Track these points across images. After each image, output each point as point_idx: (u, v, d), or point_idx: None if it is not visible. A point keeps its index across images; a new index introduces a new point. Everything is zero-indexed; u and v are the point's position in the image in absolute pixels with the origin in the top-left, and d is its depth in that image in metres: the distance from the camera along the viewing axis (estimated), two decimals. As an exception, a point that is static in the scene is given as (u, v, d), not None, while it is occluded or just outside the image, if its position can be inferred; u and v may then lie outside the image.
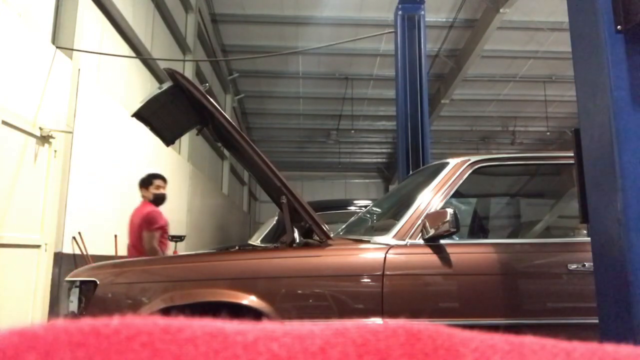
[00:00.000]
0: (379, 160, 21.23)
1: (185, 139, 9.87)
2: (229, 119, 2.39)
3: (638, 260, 1.44)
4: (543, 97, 13.33)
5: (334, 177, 21.98)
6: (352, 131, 15.32)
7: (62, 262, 4.82)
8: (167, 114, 2.71)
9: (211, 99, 2.36)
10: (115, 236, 6.15)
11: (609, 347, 0.29)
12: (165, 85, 2.52)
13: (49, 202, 4.70)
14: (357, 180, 22.49)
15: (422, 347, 0.27)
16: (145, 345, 0.24)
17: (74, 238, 5.10)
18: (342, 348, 0.25)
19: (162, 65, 7.45)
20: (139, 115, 2.58)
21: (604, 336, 1.57)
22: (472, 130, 16.51)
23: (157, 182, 4.09)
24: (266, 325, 0.26)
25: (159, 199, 4.07)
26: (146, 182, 4.11)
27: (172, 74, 2.43)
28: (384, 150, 19.80)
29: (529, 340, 0.28)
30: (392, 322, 0.28)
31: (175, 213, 9.08)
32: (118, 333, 0.24)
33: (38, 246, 4.58)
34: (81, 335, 0.23)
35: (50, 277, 4.69)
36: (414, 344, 0.27)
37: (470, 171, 2.38)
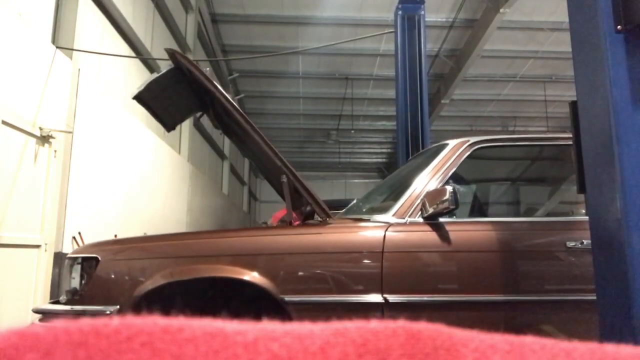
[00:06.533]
0: (379, 160, 21.24)
1: (185, 139, 9.88)
2: (228, 96, 2.37)
3: (638, 260, 1.44)
4: (543, 97, 13.34)
5: (334, 177, 22.00)
6: (352, 131, 15.32)
7: (62, 262, 4.82)
8: (167, 99, 2.70)
9: (211, 79, 2.34)
10: (115, 236, 6.16)
11: (609, 347, 0.29)
12: (166, 68, 2.52)
13: (49, 202, 4.70)
14: (357, 180, 22.50)
15: (422, 347, 0.27)
16: (145, 345, 0.24)
17: (74, 238, 5.10)
18: (342, 348, 0.25)
19: (162, 65, 7.44)
20: (140, 98, 2.58)
21: (603, 336, 1.57)
22: (472, 130, 16.50)
23: None
24: (266, 325, 0.26)
25: None
26: None
27: (172, 54, 2.42)
28: (384, 150, 19.80)
29: (529, 340, 0.28)
30: (392, 322, 0.28)
31: (175, 213, 9.07)
32: (118, 333, 0.24)
33: (38, 246, 4.58)
34: (81, 335, 0.23)
35: (50, 277, 4.69)
36: (414, 344, 0.27)
37: (469, 152, 2.39)
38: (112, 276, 2.09)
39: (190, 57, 9.69)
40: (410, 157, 3.84)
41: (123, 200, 6.48)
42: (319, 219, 2.43)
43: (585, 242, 2.07)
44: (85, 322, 0.24)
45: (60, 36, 5.15)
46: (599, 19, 1.57)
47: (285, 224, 2.47)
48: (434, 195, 2.11)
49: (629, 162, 1.48)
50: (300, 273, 2.07)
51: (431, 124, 11.07)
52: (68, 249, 4.99)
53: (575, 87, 1.72)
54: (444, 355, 0.27)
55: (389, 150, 19.41)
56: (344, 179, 22.26)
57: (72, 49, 5.09)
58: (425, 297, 2.05)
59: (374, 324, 0.27)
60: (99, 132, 5.78)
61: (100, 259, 2.10)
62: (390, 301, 2.00)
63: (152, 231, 7.22)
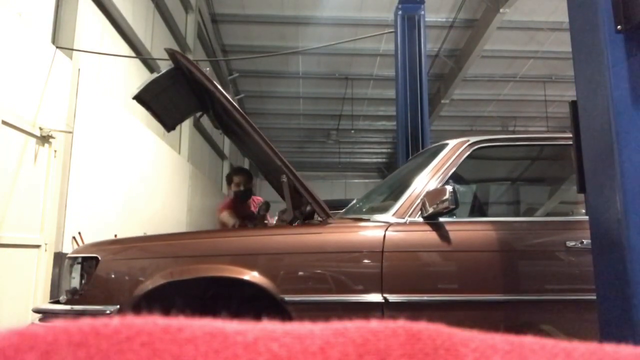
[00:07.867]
0: (379, 160, 21.23)
1: (185, 139, 9.87)
2: (228, 96, 2.37)
3: (638, 260, 1.44)
4: (543, 97, 13.33)
5: (334, 177, 21.98)
6: (352, 131, 15.31)
7: (62, 262, 4.82)
8: (167, 99, 2.71)
9: (211, 79, 2.34)
10: (115, 236, 6.15)
11: (609, 347, 0.29)
12: (166, 68, 2.52)
13: (49, 202, 4.70)
14: (357, 180, 22.49)
15: (422, 347, 0.27)
16: (145, 345, 0.23)
17: (74, 238, 5.10)
18: (342, 348, 0.25)
19: (162, 65, 7.44)
20: (140, 98, 2.58)
21: (603, 336, 1.57)
22: (472, 130, 16.49)
23: (235, 179, 3.92)
24: (266, 325, 0.26)
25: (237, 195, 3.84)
26: (228, 180, 4.00)
27: (172, 54, 2.42)
28: (384, 150, 19.79)
29: (529, 340, 0.28)
30: (392, 322, 0.28)
31: (175, 213, 9.07)
32: (118, 333, 0.24)
33: (38, 246, 4.58)
34: (81, 335, 0.23)
35: (50, 277, 4.69)
36: (414, 344, 0.27)
37: (469, 152, 2.39)
38: (112, 276, 2.10)
39: (190, 57, 9.69)
40: (410, 157, 3.84)
41: (123, 200, 6.47)
42: (319, 218, 2.44)
43: (585, 241, 2.07)
44: (85, 322, 0.24)
45: (60, 36, 5.15)
46: (599, 19, 1.57)
47: (285, 223, 2.48)
48: (434, 195, 2.12)
49: (629, 162, 1.48)
50: (300, 273, 2.08)
51: (431, 124, 11.06)
52: (68, 249, 4.99)
53: (575, 87, 1.72)
54: (444, 355, 0.27)
55: (389, 150, 19.40)
56: (344, 179, 22.24)
57: (72, 49, 5.09)
58: (425, 297, 2.05)
59: (374, 324, 0.27)
60: (99, 132, 5.78)
61: (100, 258, 2.11)
62: (390, 301, 2.00)
63: (152, 231, 7.21)
